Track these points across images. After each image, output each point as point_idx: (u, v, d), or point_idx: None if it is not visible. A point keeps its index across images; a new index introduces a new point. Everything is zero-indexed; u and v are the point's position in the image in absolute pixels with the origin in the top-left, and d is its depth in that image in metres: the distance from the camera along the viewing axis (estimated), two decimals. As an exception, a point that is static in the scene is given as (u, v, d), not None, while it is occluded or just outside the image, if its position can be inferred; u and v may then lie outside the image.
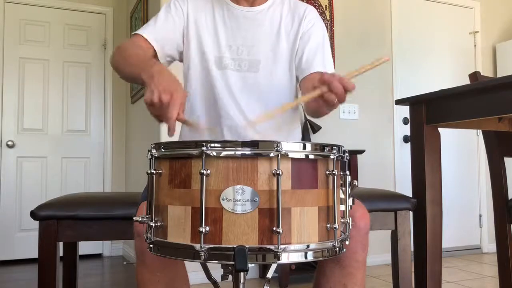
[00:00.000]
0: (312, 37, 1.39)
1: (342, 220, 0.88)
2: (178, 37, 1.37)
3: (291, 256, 0.79)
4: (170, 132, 0.96)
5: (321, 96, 0.96)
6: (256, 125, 1.31)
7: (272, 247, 0.77)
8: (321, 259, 0.84)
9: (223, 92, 1.33)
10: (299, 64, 1.38)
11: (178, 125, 1.01)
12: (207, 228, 0.77)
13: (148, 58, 1.23)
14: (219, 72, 1.34)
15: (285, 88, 1.38)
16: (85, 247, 3.64)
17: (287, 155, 0.79)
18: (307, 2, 3.40)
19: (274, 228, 0.77)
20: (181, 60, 1.42)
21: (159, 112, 0.97)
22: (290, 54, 1.38)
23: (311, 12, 1.43)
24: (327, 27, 3.50)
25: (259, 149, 0.78)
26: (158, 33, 1.34)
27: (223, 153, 0.78)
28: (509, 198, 2.00)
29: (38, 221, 1.42)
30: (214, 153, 0.78)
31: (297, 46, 1.39)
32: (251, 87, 1.34)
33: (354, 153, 3.17)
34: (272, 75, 1.36)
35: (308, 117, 3.06)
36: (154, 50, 1.33)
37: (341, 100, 0.96)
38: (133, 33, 1.37)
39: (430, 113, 1.74)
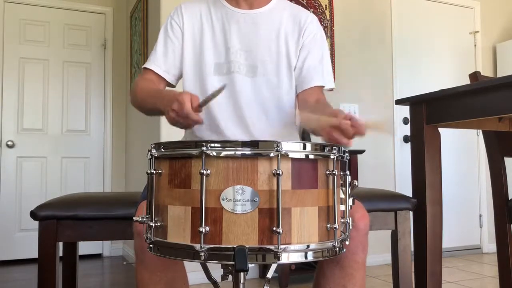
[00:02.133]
0: (312, 50, 1.39)
1: (342, 220, 0.88)
2: (179, 58, 1.39)
3: (291, 256, 0.79)
4: (199, 122, 1.06)
5: (330, 132, 0.97)
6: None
7: (272, 247, 0.77)
8: (321, 259, 0.84)
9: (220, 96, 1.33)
10: (298, 76, 1.38)
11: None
12: (207, 228, 0.77)
13: (159, 91, 1.33)
14: (216, 78, 1.34)
15: (284, 94, 1.37)
16: (85, 247, 3.64)
17: (287, 155, 0.79)
18: (307, 2, 3.40)
19: (274, 228, 0.77)
20: None
21: (184, 120, 1.05)
22: (289, 61, 1.37)
23: (312, 22, 1.42)
24: (327, 27, 3.50)
25: (259, 149, 0.78)
26: (163, 62, 1.38)
27: (223, 153, 0.78)
28: (509, 198, 1.99)
29: (38, 221, 1.42)
30: (214, 153, 0.78)
31: (297, 55, 1.38)
32: (249, 92, 1.33)
33: (354, 153, 3.17)
34: (269, 81, 1.35)
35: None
36: (165, 79, 1.40)
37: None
38: (142, 66, 1.42)
39: (430, 113, 1.73)
